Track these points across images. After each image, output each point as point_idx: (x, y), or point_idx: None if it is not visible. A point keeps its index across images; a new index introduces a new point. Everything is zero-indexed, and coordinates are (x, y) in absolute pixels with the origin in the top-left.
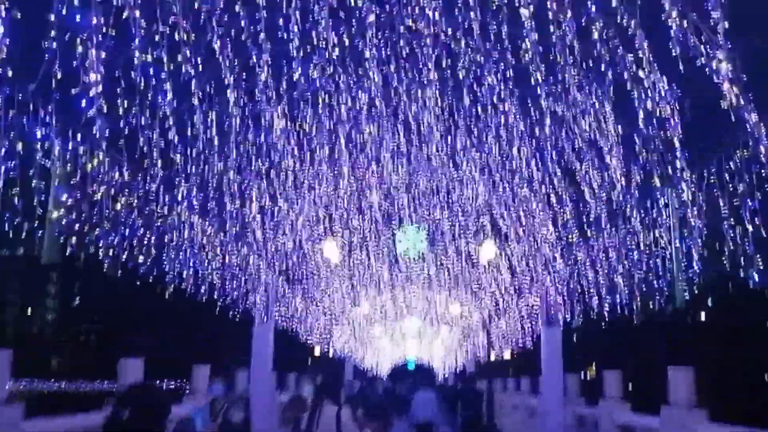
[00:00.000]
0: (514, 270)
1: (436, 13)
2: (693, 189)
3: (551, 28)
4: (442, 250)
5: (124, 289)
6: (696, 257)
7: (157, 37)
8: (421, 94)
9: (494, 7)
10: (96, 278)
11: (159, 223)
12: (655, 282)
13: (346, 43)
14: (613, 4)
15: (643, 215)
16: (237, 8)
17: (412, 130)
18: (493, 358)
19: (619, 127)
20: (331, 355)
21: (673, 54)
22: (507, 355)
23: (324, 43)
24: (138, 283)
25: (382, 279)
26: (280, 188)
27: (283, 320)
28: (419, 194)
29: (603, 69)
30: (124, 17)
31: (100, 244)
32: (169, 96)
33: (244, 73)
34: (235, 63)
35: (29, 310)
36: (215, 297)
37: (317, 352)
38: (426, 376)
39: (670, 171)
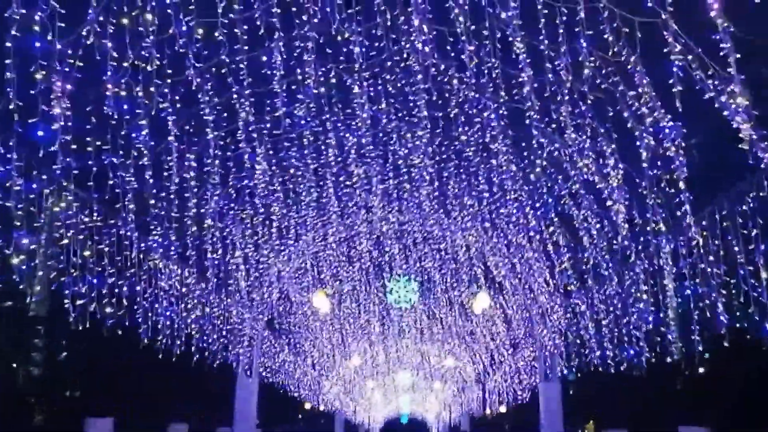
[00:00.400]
0: (510, 321)
1: (427, 48)
2: (703, 233)
3: (547, 65)
4: (434, 300)
5: (99, 342)
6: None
7: (128, 70)
8: (411, 136)
9: (487, 46)
10: (81, 331)
11: (132, 272)
12: (661, 332)
13: (334, 81)
14: (610, 39)
15: (647, 263)
16: (217, 43)
17: (402, 175)
18: (488, 412)
19: (620, 168)
20: (321, 409)
21: (676, 90)
22: (503, 410)
23: (311, 81)
24: (109, 335)
25: (373, 331)
26: (265, 235)
27: (269, 373)
28: (411, 243)
29: (602, 107)
30: (89, 44)
31: (66, 293)
32: (144, 132)
33: (225, 113)
34: (216, 101)
35: (14, 364)
36: (194, 350)
37: (307, 406)
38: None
39: (676, 213)
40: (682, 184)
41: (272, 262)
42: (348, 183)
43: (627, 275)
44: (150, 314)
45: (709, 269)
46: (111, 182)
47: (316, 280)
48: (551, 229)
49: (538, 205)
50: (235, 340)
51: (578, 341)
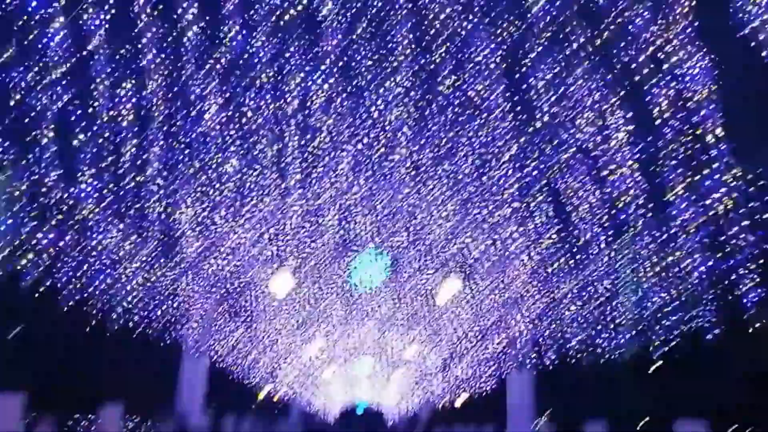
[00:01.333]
0: (480, 308)
1: None
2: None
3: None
4: (401, 283)
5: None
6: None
7: None
8: (389, 85)
9: None
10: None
11: (55, 221)
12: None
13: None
14: None
15: (650, 236)
16: None
17: (375, 132)
18: (454, 403)
19: (630, 122)
20: (276, 398)
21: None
22: (463, 401)
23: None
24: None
25: (335, 314)
26: (217, 195)
27: (220, 357)
28: (380, 217)
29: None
30: None
31: None
32: (59, 37)
33: (170, 38)
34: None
35: None
36: (133, 322)
37: (262, 394)
38: (376, 423)
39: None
40: (711, 137)
41: (226, 229)
42: (313, 140)
43: (629, 250)
44: (79, 275)
45: (735, 241)
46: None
47: (274, 255)
48: (537, 200)
49: (526, 171)
50: (182, 315)
51: (555, 327)
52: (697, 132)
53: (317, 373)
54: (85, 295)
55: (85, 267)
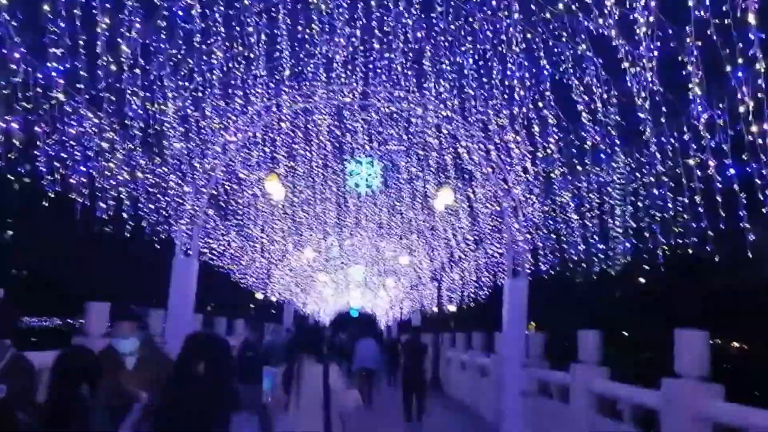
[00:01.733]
0: (476, 216)
1: None
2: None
3: None
4: (396, 188)
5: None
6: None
7: None
8: None
9: None
10: None
11: (29, 107)
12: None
13: None
14: None
15: (664, 139)
16: None
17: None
18: (446, 309)
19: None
20: (274, 300)
21: None
22: (454, 308)
23: None
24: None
25: (328, 219)
26: (206, 85)
27: (214, 257)
28: (376, 120)
29: None
30: None
31: None
32: None
33: None
34: None
35: None
36: (119, 219)
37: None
38: (369, 326)
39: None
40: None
41: (215, 125)
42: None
43: (641, 153)
44: (58, 165)
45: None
46: None
47: (267, 156)
48: (543, 101)
49: (534, 70)
50: (172, 214)
51: (554, 236)
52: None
53: (311, 279)
54: (69, 186)
55: (64, 158)
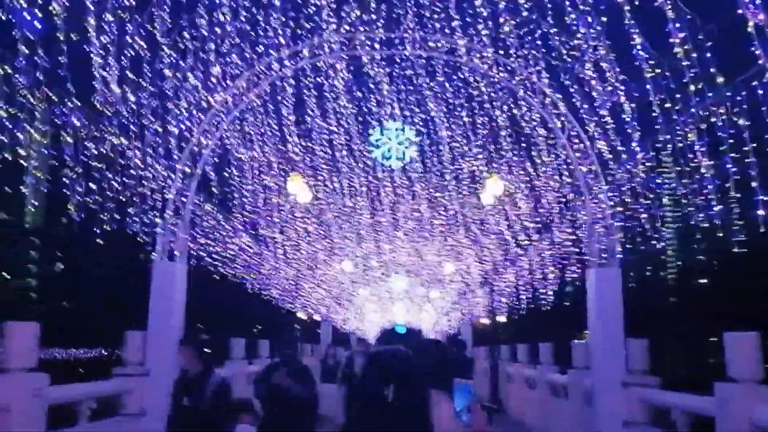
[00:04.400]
0: (539, 198)
1: None
2: None
3: None
4: (435, 163)
5: None
6: None
7: None
8: None
9: None
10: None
11: None
12: None
13: None
14: None
15: None
16: None
17: None
18: (497, 319)
19: None
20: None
21: None
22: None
23: None
24: None
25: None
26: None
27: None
28: (405, 77)
29: None
30: None
31: None
32: None
33: None
34: None
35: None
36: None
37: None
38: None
39: None
40: None
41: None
42: None
43: None
44: None
45: None
46: None
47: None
48: None
49: None
50: (142, 201)
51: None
52: None
53: (349, 293)
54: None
55: None
